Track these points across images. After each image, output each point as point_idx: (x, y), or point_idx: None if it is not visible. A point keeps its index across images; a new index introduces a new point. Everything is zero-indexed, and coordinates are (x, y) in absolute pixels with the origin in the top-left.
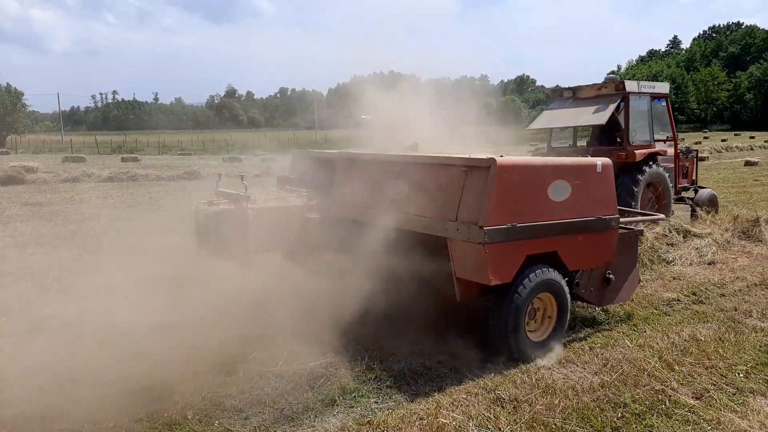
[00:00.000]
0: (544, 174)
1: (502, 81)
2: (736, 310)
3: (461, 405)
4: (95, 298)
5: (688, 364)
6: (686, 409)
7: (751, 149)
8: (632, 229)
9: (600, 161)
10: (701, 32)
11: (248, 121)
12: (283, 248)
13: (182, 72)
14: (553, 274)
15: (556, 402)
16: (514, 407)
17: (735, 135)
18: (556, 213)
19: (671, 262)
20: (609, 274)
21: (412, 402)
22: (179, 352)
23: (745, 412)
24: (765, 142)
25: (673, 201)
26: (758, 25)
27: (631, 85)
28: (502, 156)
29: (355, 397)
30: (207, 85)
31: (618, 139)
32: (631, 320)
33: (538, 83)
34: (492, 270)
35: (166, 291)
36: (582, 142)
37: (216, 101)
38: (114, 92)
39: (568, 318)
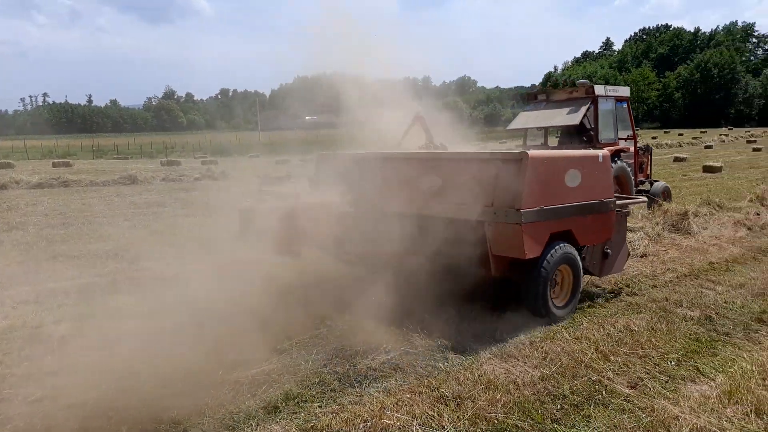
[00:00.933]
0: (561, 164)
1: (444, 82)
2: (667, 300)
3: (405, 405)
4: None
5: (623, 354)
6: (622, 398)
7: (680, 146)
8: (621, 211)
9: (601, 153)
10: (632, 34)
11: (188, 123)
12: (324, 240)
13: (118, 74)
14: (570, 249)
15: (498, 397)
16: (458, 404)
17: (665, 132)
18: (571, 197)
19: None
20: (607, 249)
21: (356, 404)
22: (114, 365)
23: (677, 398)
24: (693, 138)
25: (634, 193)
26: (685, 27)
27: (599, 89)
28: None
29: (298, 402)
30: (144, 86)
31: (585, 138)
32: (569, 313)
33: (479, 84)
34: (527, 246)
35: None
36: (552, 142)
37: (154, 103)
38: (44, 95)
39: (581, 287)
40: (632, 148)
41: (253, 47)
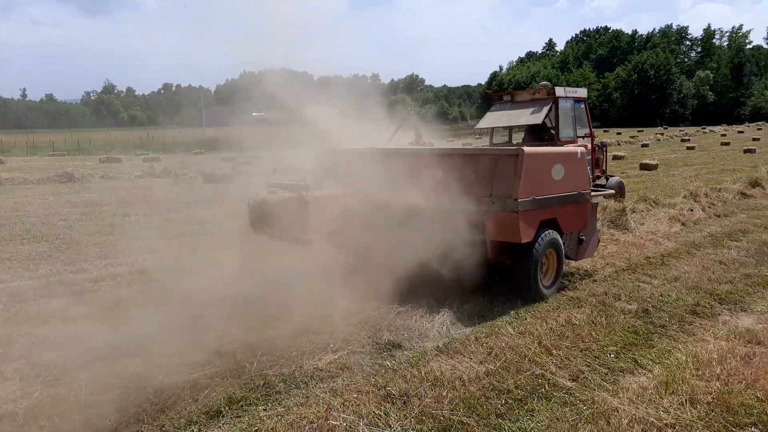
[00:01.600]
0: (549, 159)
1: (392, 80)
2: (606, 294)
3: (352, 405)
4: None
5: (565, 347)
6: (564, 391)
7: (618, 144)
8: (592, 202)
9: (579, 149)
10: (573, 35)
11: (129, 119)
12: (330, 229)
13: (54, 67)
14: (556, 235)
15: (444, 394)
16: (404, 402)
17: (604, 131)
18: (556, 189)
19: None
20: (582, 236)
21: (302, 406)
22: (45, 372)
23: (616, 390)
24: (630, 137)
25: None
26: (623, 29)
27: (559, 91)
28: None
29: (242, 406)
30: (82, 80)
31: (546, 136)
32: (513, 309)
33: (427, 83)
34: (523, 232)
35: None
36: (516, 139)
37: (92, 98)
38: None
39: (563, 269)
40: (590, 145)
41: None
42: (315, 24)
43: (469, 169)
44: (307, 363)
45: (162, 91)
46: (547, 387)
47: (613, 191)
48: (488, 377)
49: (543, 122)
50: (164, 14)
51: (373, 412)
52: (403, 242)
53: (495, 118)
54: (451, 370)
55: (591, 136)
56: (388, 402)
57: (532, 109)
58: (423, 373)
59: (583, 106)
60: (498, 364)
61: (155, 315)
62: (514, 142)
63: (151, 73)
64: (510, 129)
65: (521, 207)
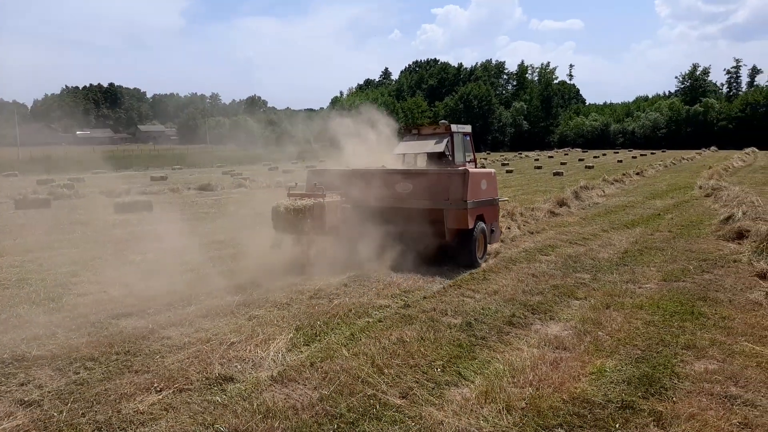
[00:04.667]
0: (480, 176)
1: (234, 100)
2: (434, 310)
3: None
4: None
5: (396, 365)
6: (394, 409)
7: None
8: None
9: (492, 171)
10: (407, 65)
11: None
12: (335, 228)
13: None
14: (483, 225)
15: (276, 425)
16: None
17: None
18: (484, 195)
19: (384, 270)
20: (492, 227)
21: None
22: None
23: (442, 403)
24: None
25: None
26: (450, 62)
27: (454, 127)
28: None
29: None
30: None
31: (445, 161)
32: (349, 330)
33: (269, 105)
34: (469, 222)
35: None
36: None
37: None
38: None
39: (488, 247)
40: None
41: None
42: (147, 40)
43: (432, 182)
44: (126, 406)
45: None
46: (378, 407)
47: (507, 198)
48: (321, 403)
49: (444, 151)
50: None
51: None
52: (389, 232)
53: (406, 147)
54: (285, 399)
55: (474, 160)
56: None
57: (435, 140)
58: (255, 405)
59: (468, 138)
60: (332, 389)
61: None
62: (419, 165)
63: None
64: (416, 155)
65: (468, 206)
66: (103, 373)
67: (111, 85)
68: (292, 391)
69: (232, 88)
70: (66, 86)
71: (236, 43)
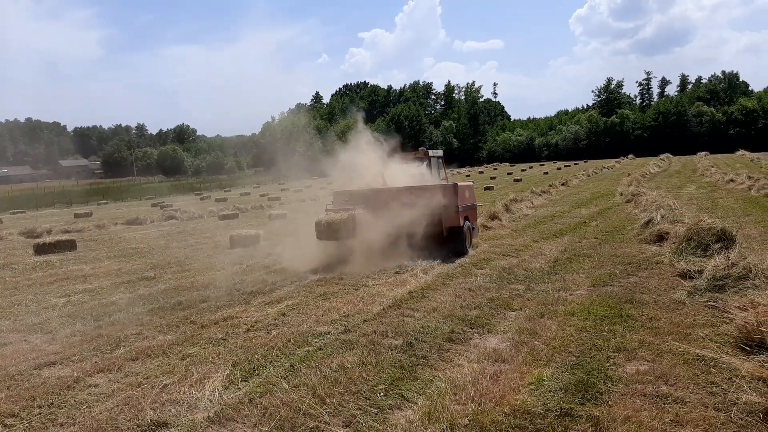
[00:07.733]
0: (465, 188)
1: (161, 130)
2: (375, 332)
3: None
4: None
5: (338, 394)
6: None
7: None
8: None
9: (471, 183)
10: (338, 89)
11: None
12: (362, 233)
13: None
14: (469, 223)
15: None
16: None
17: None
18: (467, 201)
19: (323, 296)
20: (473, 227)
21: None
22: None
23: (386, 429)
24: None
25: None
26: (380, 84)
27: (431, 152)
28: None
29: None
30: None
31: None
32: (289, 362)
33: (199, 133)
34: (460, 221)
35: None
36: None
37: None
38: None
39: (472, 240)
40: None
41: None
42: (64, 70)
43: (432, 194)
44: None
45: None
46: None
47: (481, 204)
48: None
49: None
50: None
51: None
52: (401, 229)
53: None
54: None
55: (446, 177)
56: None
57: (417, 162)
58: None
59: (441, 160)
60: (272, 424)
61: None
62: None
63: None
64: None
65: (459, 210)
66: (24, 430)
67: (28, 119)
68: (231, 430)
69: (159, 118)
70: None
71: (161, 72)
